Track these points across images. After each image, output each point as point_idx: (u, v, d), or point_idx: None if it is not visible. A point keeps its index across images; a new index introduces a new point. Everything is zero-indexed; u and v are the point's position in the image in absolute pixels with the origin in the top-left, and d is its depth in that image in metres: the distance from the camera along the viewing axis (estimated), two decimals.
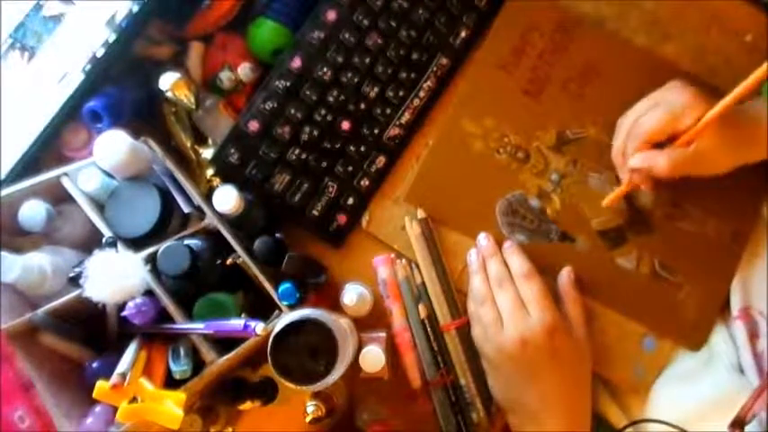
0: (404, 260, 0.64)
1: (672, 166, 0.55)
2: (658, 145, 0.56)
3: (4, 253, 0.52)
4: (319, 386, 0.50)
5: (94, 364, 0.54)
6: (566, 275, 0.61)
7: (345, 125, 0.64)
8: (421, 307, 0.62)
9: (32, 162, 0.62)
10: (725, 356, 0.60)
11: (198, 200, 0.59)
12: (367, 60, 0.64)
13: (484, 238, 0.62)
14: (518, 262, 0.60)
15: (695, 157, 0.55)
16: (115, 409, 0.49)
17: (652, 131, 0.55)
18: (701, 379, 0.60)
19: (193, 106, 0.62)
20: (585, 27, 0.66)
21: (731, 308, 0.61)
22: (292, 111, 0.63)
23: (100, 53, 0.61)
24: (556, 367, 0.56)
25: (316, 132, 0.64)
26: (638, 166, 0.56)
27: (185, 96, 0.61)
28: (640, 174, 0.57)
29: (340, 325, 0.52)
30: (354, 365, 0.57)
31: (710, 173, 0.57)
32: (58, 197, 0.58)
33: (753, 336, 0.59)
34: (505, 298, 0.59)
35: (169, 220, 0.59)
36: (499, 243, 0.63)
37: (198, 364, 0.54)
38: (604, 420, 0.62)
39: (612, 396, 0.63)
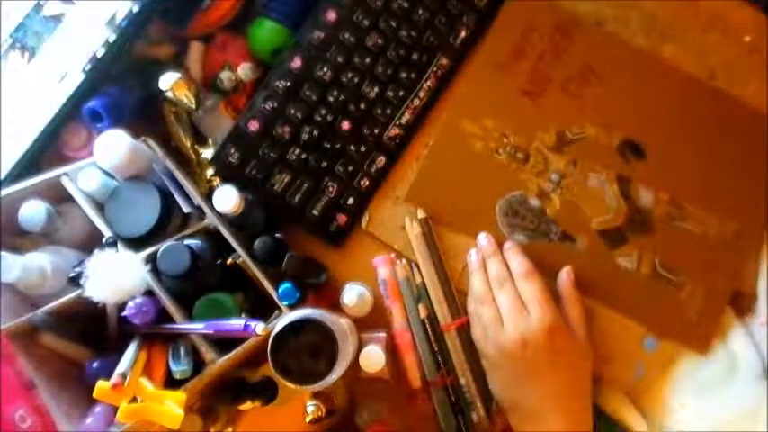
0: (404, 260, 0.64)
1: None
2: None
3: (4, 253, 0.52)
4: (319, 386, 0.50)
5: (94, 364, 0.54)
6: (565, 275, 0.61)
7: (345, 125, 0.64)
8: (421, 307, 0.62)
9: (32, 162, 0.62)
10: (749, 363, 0.60)
11: (198, 200, 0.59)
12: (367, 60, 0.64)
13: (484, 238, 0.62)
14: (518, 261, 0.60)
15: None
16: (115, 409, 0.49)
17: None
18: (725, 388, 0.60)
19: (193, 106, 0.62)
20: (585, 28, 0.66)
21: (757, 312, 0.61)
22: (292, 111, 0.63)
23: (100, 53, 0.61)
24: (556, 366, 0.56)
25: (316, 132, 0.64)
26: None
27: (185, 96, 0.61)
28: None
29: (340, 325, 0.52)
30: (354, 365, 0.57)
31: None
32: (58, 197, 0.58)
33: None
34: (505, 297, 0.58)
35: (169, 220, 0.59)
36: (499, 243, 0.63)
37: (198, 364, 0.54)
38: (609, 419, 0.62)
39: (634, 402, 0.62)
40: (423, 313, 0.62)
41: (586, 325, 0.60)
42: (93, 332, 0.56)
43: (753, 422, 0.57)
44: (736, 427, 0.56)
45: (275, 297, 0.56)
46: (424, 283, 0.63)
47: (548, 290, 0.59)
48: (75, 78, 0.61)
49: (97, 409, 0.53)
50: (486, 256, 0.62)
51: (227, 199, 0.56)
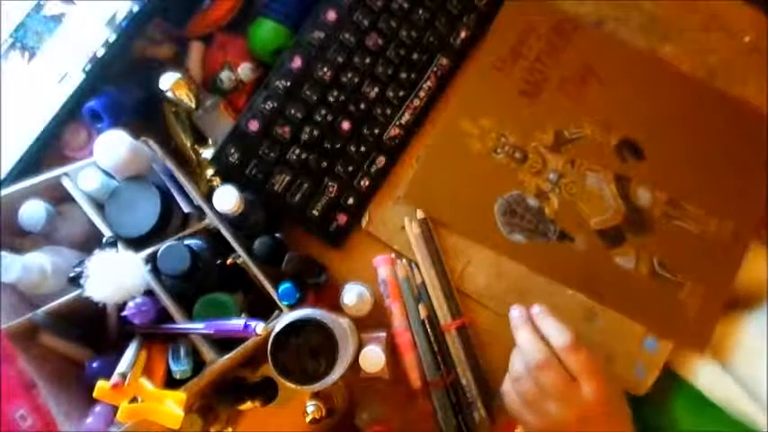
0: (404, 260, 0.64)
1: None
2: None
3: (4, 253, 0.52)
4: (319, 386, 0.51)
5: (94, 364, 0.54)
6: (566, 341, 0.54)
7: (345, 125, 0.64)
8: (421, 307, 0.63)
9: (32, 162, 0.62)
10: None
11: (198, 200, 0.59)
12: (367, 60, 0.64)
13: (515, 309, 0.58)
14: (558, 332, 0.54)
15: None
16: (115, 409, 0.49)
17: None
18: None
19: (193, 106, 0.62)
20: (582, 28, 0.66)
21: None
22: (292, 111, 0.64)
23: (100, 53, 0.61)
24: (610, 425, 0.53)
25: (316, 132, 0.64)
26: None
27: (185, 96, 0.61)
28: None
29: (340, 325, 0.52)
30: (354, 365, 0.57)
31: None
32: (58, 197, 0.58)
33: None
34: (552, 377, 0.53)
35: (169, 220, 0.59)
36: (500, 242, 0.63)
37: (198, 364, 0.54)
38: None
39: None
40: (423, 313, 0.62)
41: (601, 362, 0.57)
42: (93, 332, 0.56)
43: None
44: None
45: (275, 297, 0.56)
46: (424, 283, 0.63)
47: (592, 358, 0.53)
48: (75, 78, 0.61)
49: (97, 409, 0.53)
50: (517, 326, 0.57)
51: (227, 199, 0.56)
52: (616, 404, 0.54)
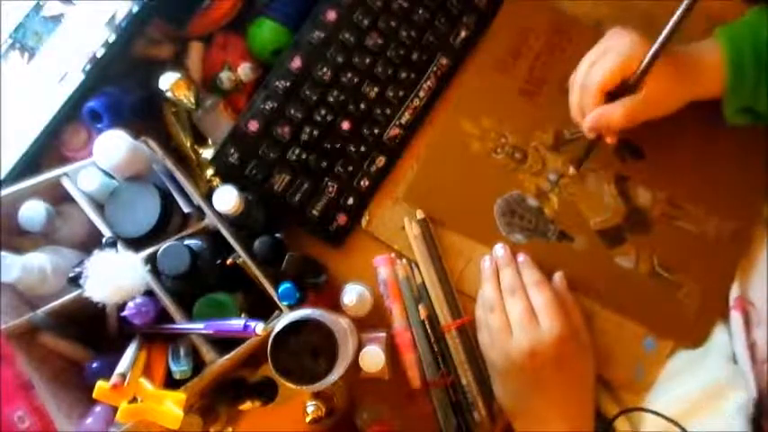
0: (404, 260, 0.64)
1: (628, 116, 0.55)
2: (611, 95, 0.56)
3: (4, 253, 0.52)
4: (319, 386, 0.51)
5: (94, 364, 0.54)
6: (558, 280, 0.61)
7: (345, 125, 0.64)
8: (421, 307, 0.63)
9: (32, 162, 0.62)
10: (721, 347, 0.60)
11: (198, 200, 0.59)
12: (367, 60, 0.64)
13: (501, 248, 0.62)
14: (530, 272, 0.60)
15: (647, 100, 0.55)
16: (115, 409, 0.49)
17: (605, 80, 0.55)
18: (698, 370, 0.60)
19: (193, 106, 0.62)
20: (582, 28, 0.66)
21: (729, 299, 0.61)
22: (292, 111, 0.64)
23: (100, 53, 0.61)
24: (564, 376, 0.56)
25: (316, 132, 0.64)
26: (595, 123, 0.57)
27: (185, 96, 0.61)
28: (600, 130, 0.58)
29: (340, 325, 0.52)
30: (354, 365, 0.57)
31: (663, 114, 0.57)
32: (58, 197, 0.58)
33: (747, 325, 0.59)
34: (516, 306, 0.58)
35: (169, 220, 0.59)
36: (497, 242, 0.63)
37: (198, 364, 0.54)
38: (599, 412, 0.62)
39: (607, 388, 0.63)
40: (423, 313, 0.62)
41: (587, 328, 0.60)
42: (93, 332, 0.56)
43: (720, 399, 0.57)
44: (705, 404, 0.56)
45: (275, 297, 0.56)
46: (424, 283, 0.63)
47: (558, 299, 0.58)
48: (75, 78, 0.61)
49: (97, 409, 0.53)
50: (500, 265, 0.62)
51: (227, 199, 0.56)
52: (574, 356, 0.57)
